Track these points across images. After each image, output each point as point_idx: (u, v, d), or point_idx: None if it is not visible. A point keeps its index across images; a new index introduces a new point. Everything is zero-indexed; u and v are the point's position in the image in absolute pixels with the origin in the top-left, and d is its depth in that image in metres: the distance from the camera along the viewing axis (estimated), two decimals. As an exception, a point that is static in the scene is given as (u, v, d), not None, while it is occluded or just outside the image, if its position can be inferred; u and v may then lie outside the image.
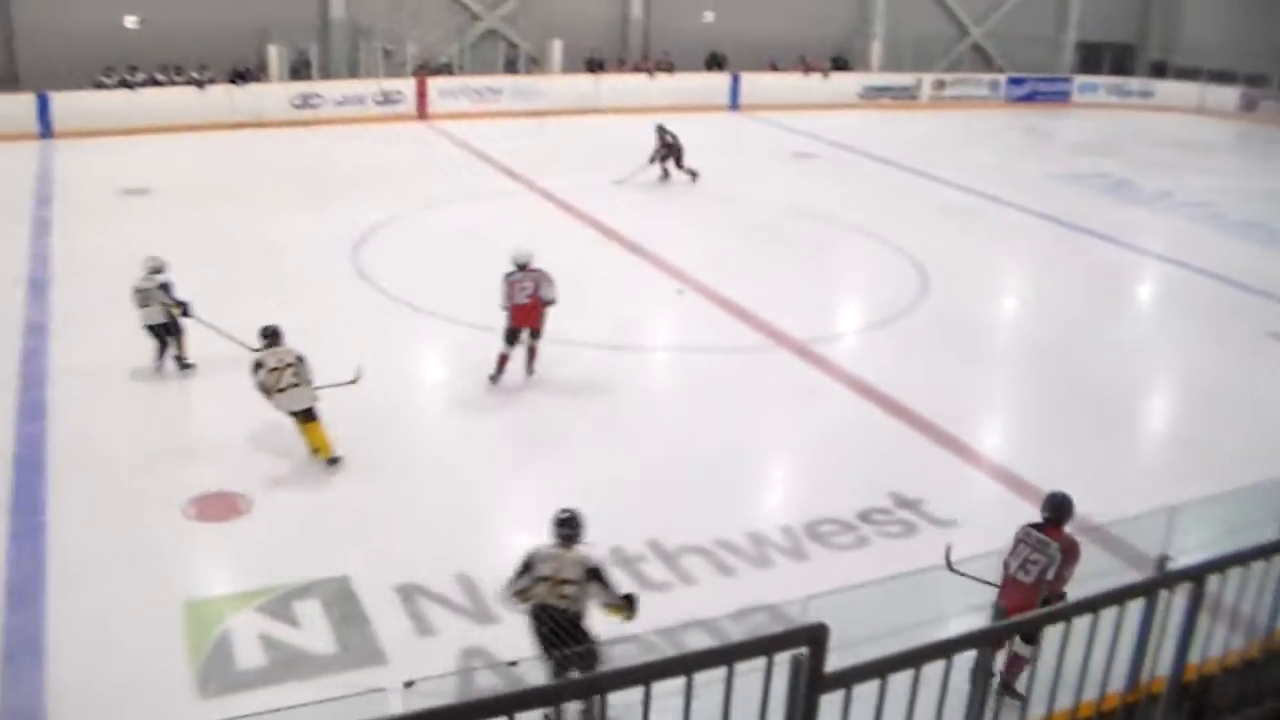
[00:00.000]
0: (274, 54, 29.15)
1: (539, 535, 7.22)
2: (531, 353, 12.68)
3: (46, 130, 25.71)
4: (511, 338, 12.45)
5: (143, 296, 12.44)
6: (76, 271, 16.14)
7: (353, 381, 11.02)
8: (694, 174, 22.76)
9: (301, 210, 20.03)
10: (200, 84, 27.70)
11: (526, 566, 7.12)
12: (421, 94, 30.00)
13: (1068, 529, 7.34)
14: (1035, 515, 7.43)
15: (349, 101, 28.91)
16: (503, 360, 12.48)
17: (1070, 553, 7.17)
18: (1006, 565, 7.32)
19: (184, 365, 12.70)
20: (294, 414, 10.70)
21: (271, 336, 10.83)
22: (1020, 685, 6.75)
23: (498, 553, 8.30)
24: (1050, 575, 7.10)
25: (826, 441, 11.88)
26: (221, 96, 27.61)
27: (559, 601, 7.00)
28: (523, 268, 12.42)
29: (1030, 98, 37.88)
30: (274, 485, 10.31)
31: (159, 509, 9.81)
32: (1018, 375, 14.38)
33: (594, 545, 7.34)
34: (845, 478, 10.51)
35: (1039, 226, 21.51)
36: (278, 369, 10.55)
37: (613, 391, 12.76)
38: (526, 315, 12.37)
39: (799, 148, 28.52)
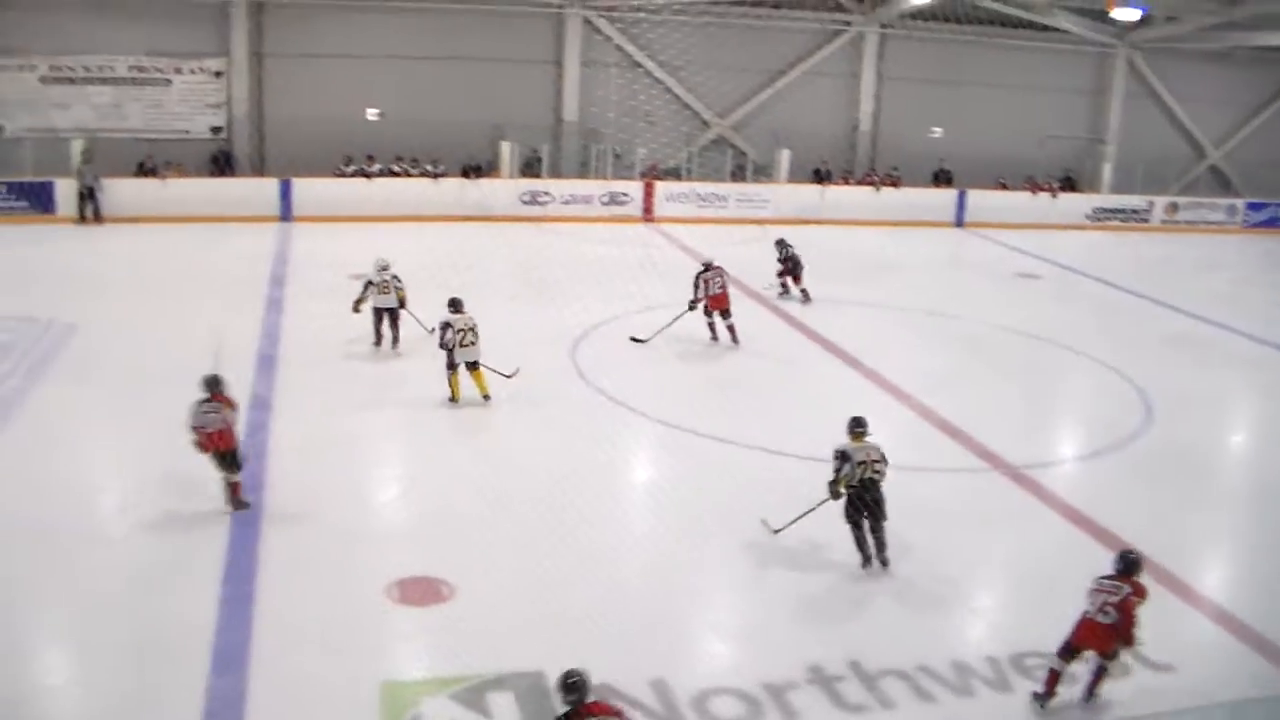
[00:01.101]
0: (506, 150, 30.79)
1: (738, 646, 7.79)
2: (731, 329, 18.09)
3: (287, 214, 28.18)
4: (709, 315, 17.81)
5: (381, 286, 17.37)
6: (301, 349, 17.37)
7: (510, 375, 15.46)
8: (806, 295, 22.68)
9: (524, 303, 20.60)
10: (434, 176, 29.83)
11: (844, 459, 10.99)
12: (648, 196, 31.28)
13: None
14: (1262, 662, 7.82)
15: (576, 200, 30.41)
16: (712, 327, 18.46)
17: (1139, 590, 8.96)
18: (1085, 612, 8.98)
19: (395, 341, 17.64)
20: (470, 365, 15.20)
21: (457, 305, 15.45)
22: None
23: (695, 660, 8.56)
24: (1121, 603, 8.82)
25: (1037, 570, 11.59)
26: (453, 189, 29.57)
27: (875, 476, 10.98)
28: (709, 266, 17.52)
29: (1271, 223, 37.13)
30: (477, 574, 10.47)
31: (363, 588, 10.16)
32: (1244, 515, 13.82)
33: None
34: (1055, 609, 9.70)
35: (1274, 359, 21.04)
36: (463, 330, 15.13)
37: (824, 508, 11.98)
38: (719, 301, 17.77)
39: (1023, 267, 28.44)
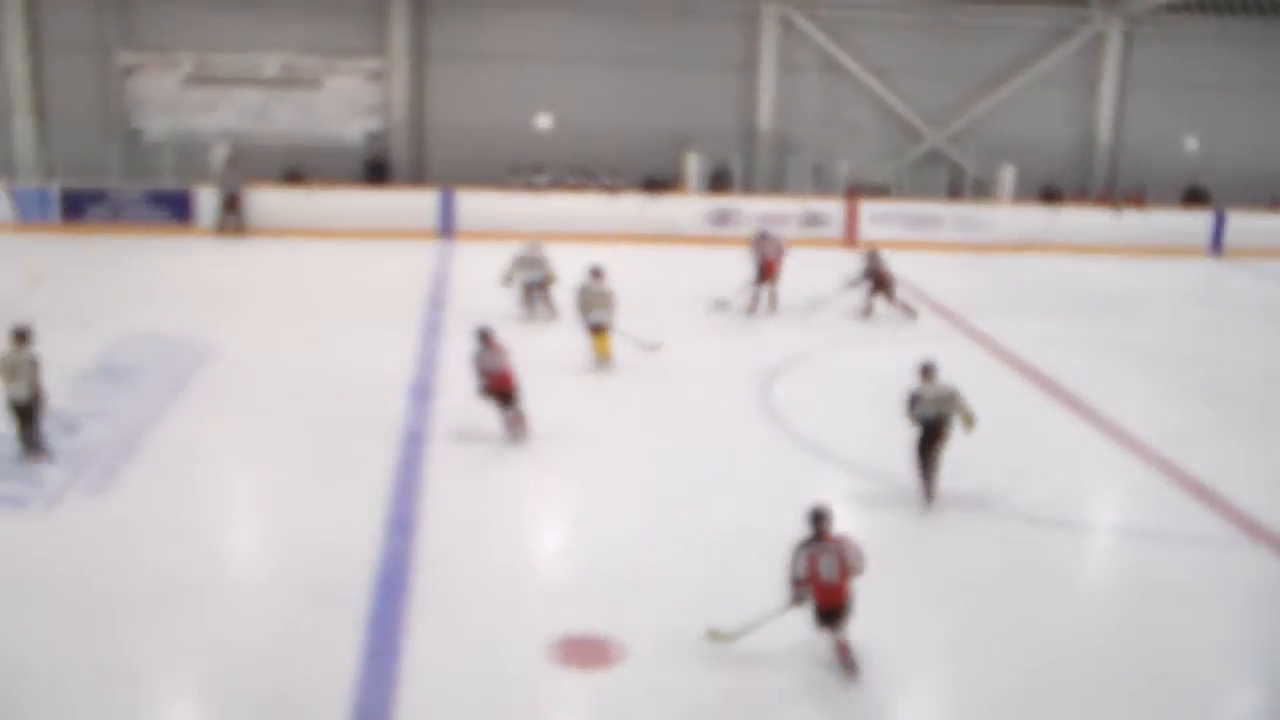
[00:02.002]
0: (692, 163, 29.27)
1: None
2: (772, 296, 19.65)
3: (447, 229, 27.15)
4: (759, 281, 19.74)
5: (538, 266, 20.20)
6: (460, 380, 16.33)
7: (652, 348, 17.69)
8: (910, 311, 22.00)
9: (713, 334, 20.18)
10: (612, 191, 28.62)
11: (916, 400, 12.85)
12: (851, 216, 29.21)
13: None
14: None
15: (770, 219, 27.96)
16: (754, 299, 20.55)
17: (848, 541, 9.78)
18: (816, 577, 9.53)
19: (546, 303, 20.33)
20: (597, 326, 17.34)
21: (598, 273, 17.57)
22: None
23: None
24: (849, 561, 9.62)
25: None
26: (632, 206, 28.09)
27: (944, 411, 12.86)
28: (765, 235, 18.63)
29: None
30: (649, 637, 9.96)
31: (521, 644, 9.75)
32: None
33: None
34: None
35: None
36: (599, 294, 17.30)
37: (1037, 573, 11.86)
38: (772, 269, 19.34)
39: (1294, 304, 26.33)
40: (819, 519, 9.89)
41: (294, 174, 28.44)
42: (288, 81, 29.38)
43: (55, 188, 27.43)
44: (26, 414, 13.16)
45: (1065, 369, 19.07)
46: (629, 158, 29.28)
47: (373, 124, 29.65)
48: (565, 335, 18.43)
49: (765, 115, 30.96)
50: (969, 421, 12.91)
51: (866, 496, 13.55)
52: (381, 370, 17.11)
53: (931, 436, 13.19)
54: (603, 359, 17.27)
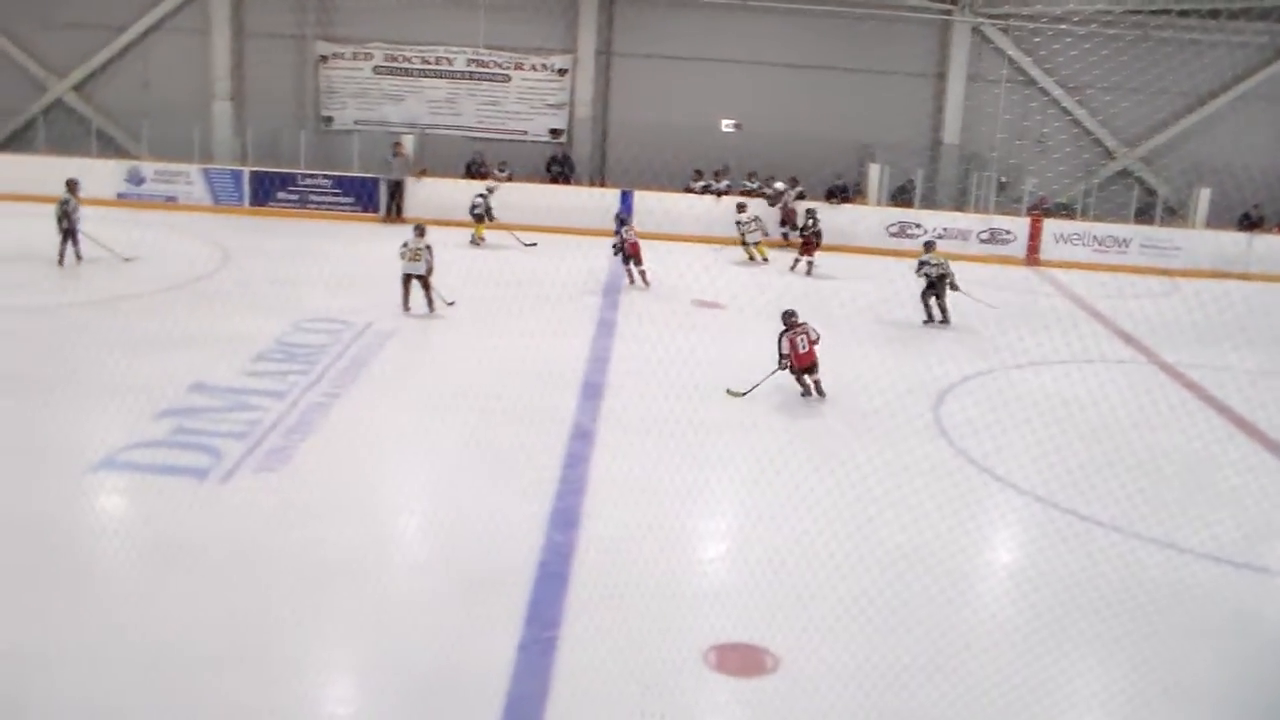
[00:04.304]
0: (875, 174, 29.42)
1: None
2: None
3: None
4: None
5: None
6: (631, 379, 16.99)
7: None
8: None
9: (880, 346, 20.04)
10: (773, 199, 28.38)
11: (923, 264, 21.37)
12: (1034, 235, 29.08)
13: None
14: None
15: (950, 235, 28.41)
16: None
17: (809, 324, 16.18)
18: (797, 349, 16.00)
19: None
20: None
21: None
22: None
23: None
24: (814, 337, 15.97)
25: None
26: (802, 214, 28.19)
27: (942, 274, 21.20)
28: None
29: None
30: (806, 649, 9.83)
31: (677, 648, 9.70)
32: None
33: None
34: None
35: None
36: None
37: (1220, 618, 11.21)
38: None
39: None
40: (790, 315, 16.39)
41: (474, 167, 28.81)
42: (475, 75, 30.11)
43: (247, 172, 28.36)
44: (425, 283, 19.48)
45: (1260, 404, 18.12)
46: (811, 165, 29.28)
47: (557, 121, 29.96)
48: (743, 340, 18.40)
49: (951, 128, 31.05)
50: (954, 286, 21.68)
51: (1039, 525, 13.27)
52: (553, 365, 17.33)
53: (934, 287, 21.66)
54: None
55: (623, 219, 24.44)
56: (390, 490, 13.34)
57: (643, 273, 23.28)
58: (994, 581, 12.16)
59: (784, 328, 16.41)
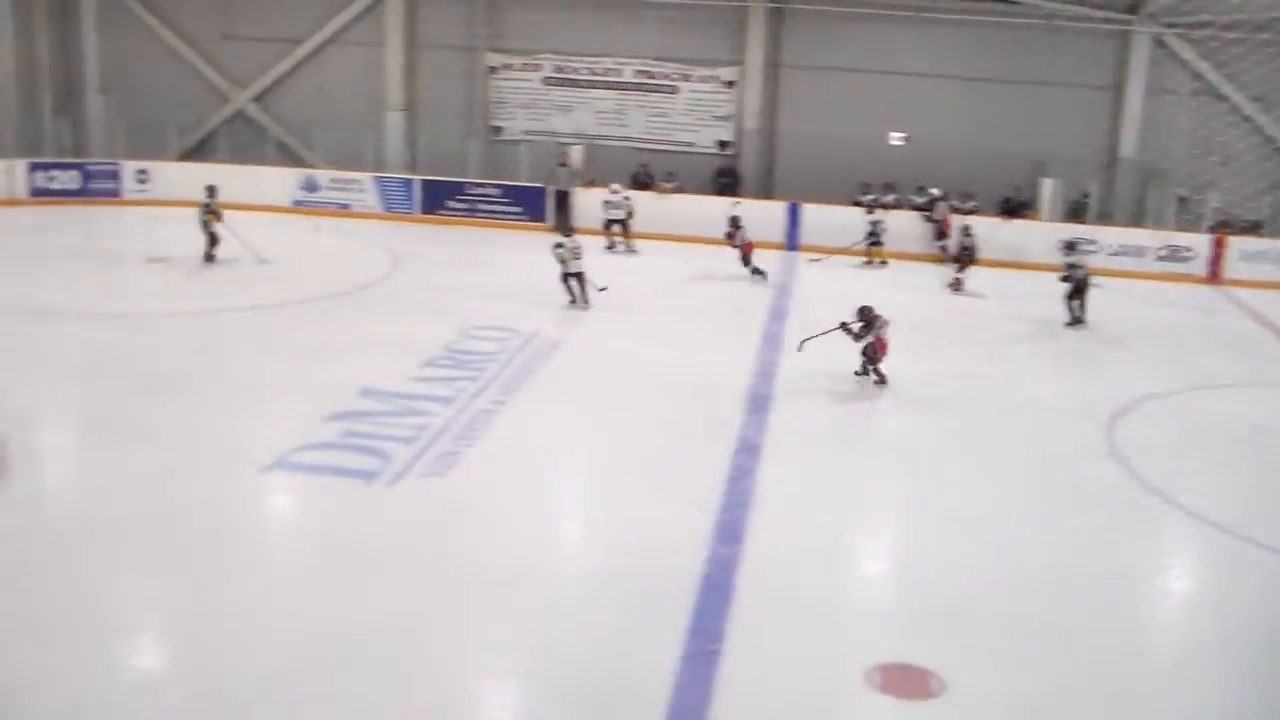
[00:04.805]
0: (1048, 188, 28.82)
1: None
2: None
3: (792, 242, 27.59)
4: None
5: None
6: (796, 393, 16.87)
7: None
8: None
9: (1054, 365, 19.84)
10: (965, 213, 27.82)
11: (1071, 267, 21.91)
12: (1217, 254, 28.12)
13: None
14: None
15: (1127, 252, 27.74)
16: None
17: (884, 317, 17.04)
18: (881, 337, 16.89)
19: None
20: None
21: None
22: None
23: None
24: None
25: None
26: (982, 228, 27.13)
27: (1084, 276, 21.75)
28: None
29: None
30: (970, 672, 9.63)
31: (840, 665, 9.62)
32: None
33: None
34: None
35: None
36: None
37: None
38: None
39: None
40: (868, 310, 17.06)
41: (641, 178, 28.93)
42: (643, 87, 30.30)
43: (418, 180, 28.93)
44: (580, 279, 20.62)
45: None
46: (982, 179, 28.76)
47: (724, 132, 29.93)
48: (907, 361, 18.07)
49: (1129, 142, 30.17)
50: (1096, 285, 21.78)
51: (1213, 552, 12.89)
52: (719, 377, 17.41)
53: (1078, 290, 21.58)
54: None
55: (737, 221, 24.60)
56: (555, 498, 13.51)
57: (757, 269, 24.24)
58: (1164, 608, 11.86)
59: (866, 322, 17.04)
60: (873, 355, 17.19)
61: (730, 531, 12.09)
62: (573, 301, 20.96)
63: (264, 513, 12.64)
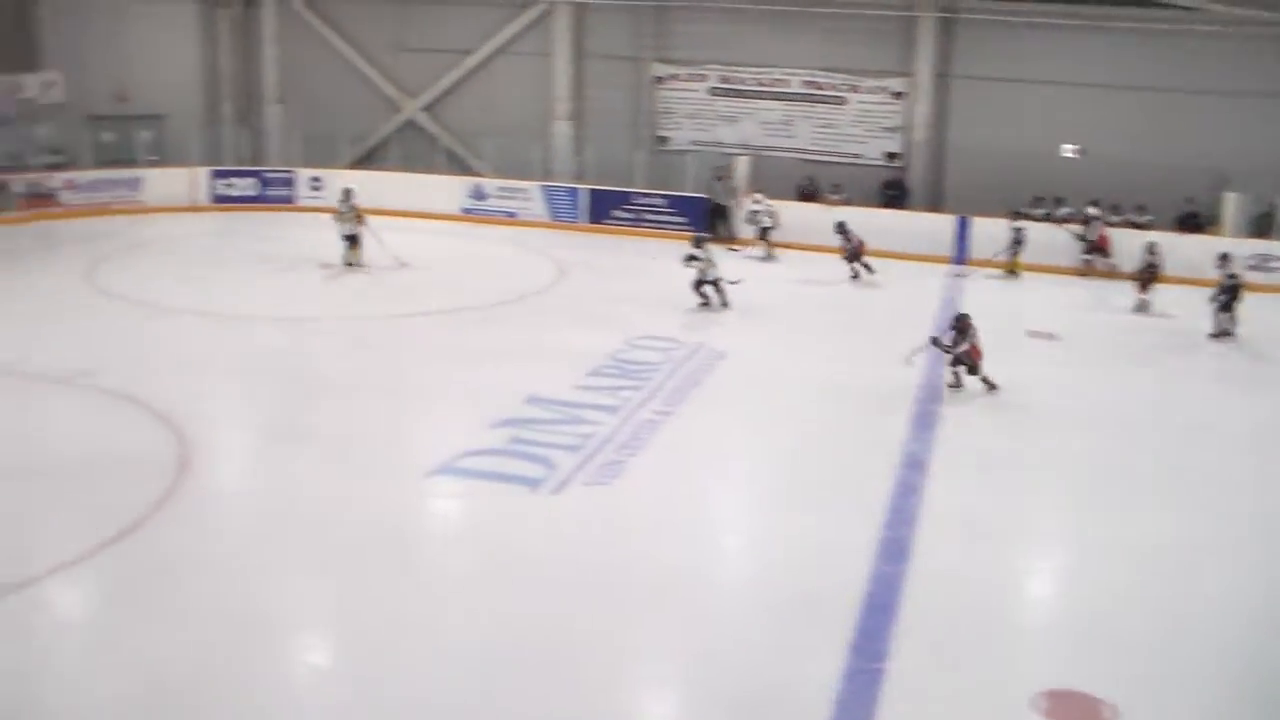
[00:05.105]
0: (1231, 203, 27.92)
1: None
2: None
3: (961, 256, 27.12)
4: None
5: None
6: (967, 409, 16.73)
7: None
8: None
9: (1239, 391, 19.03)
10: (1140, 227, 27.11)
11: (1232, 277, 21.22)
12: None
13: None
14: None
15: None
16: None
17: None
18: (975, 344, 16.81)
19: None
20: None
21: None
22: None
23: None
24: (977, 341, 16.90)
25: None
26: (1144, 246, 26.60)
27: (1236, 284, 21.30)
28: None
29: None
30: (1145, 705, 9.39)
31: (1006, 689, 9.54)
32: None
33: None
34: None
35: None
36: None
37: None
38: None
39: None
40: (964, 318, 17.09)
41: (806, 189, 28.86)
42: (811, 98, 30.16)
43: (584, 190, 29.17)
44: (717, 285, 21.48)
45: None
46: (1159, 192, 27.69)
47: (892, 144, 29.61)
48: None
49: (1319, 154, 28.45)
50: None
51: None
52: (885, 391, 17.33)
53: (1233, 297, 21.46)
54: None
55: (844, 227, 25.32)
56: (717, 509, 13.61)
57: (867, 265, 25.11)
58: None
59: (960, 330, 17.07)
60: (971, 364, 17.07)
61: (896, 549, 12.02)
62: (705, 304, 21.55)
63: (429, 516, 12.94)
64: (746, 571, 11.94)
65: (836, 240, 25.35)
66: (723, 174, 28.95)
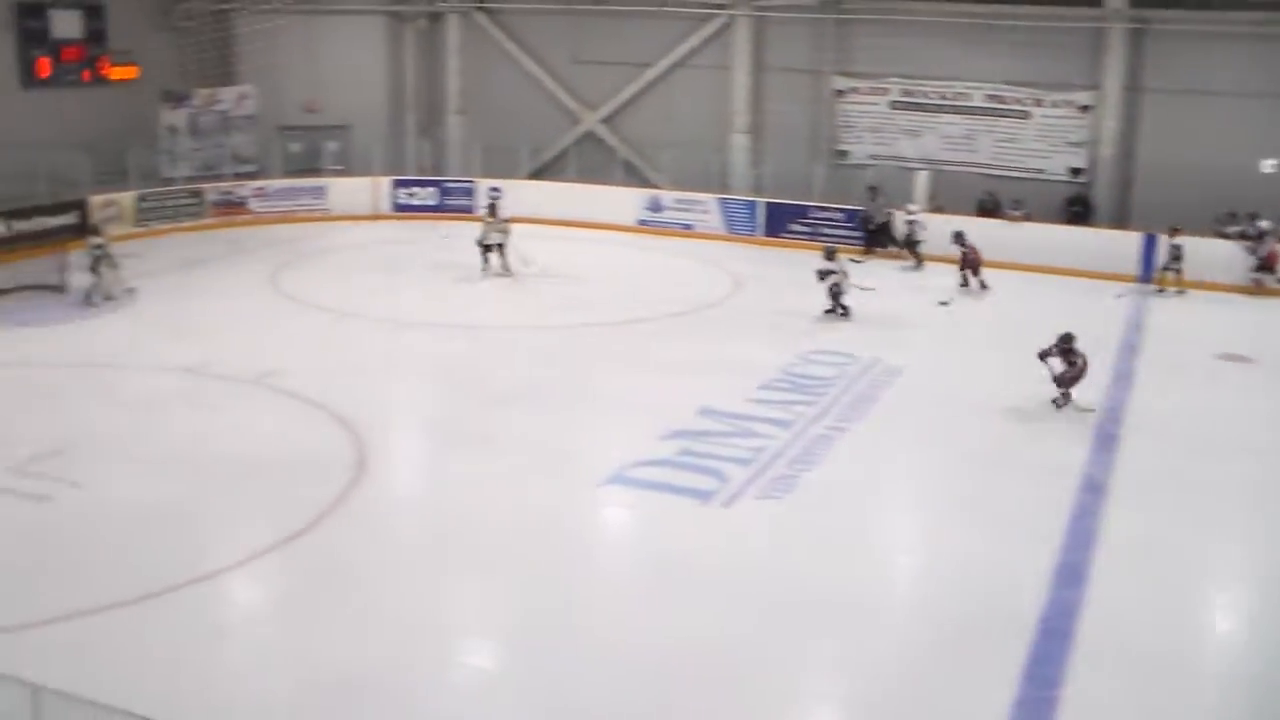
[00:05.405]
0: None
1: None
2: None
3: (1146, 274, 26.17)
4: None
5: None
6: (1149, 433, 16.30)
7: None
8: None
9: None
10: (1252, 249, 25.95)
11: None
12: None
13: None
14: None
15: None
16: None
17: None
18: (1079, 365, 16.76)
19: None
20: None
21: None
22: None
23: None
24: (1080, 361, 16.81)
25: None
26: None
27: None
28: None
29: None
30: None
31: None
32: None
33: None
34: None
35: None
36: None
37: None
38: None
39: None
40: (1069, 336, 16.85)
41: (986, 204, 28.38)
42: (993, 112, 29.62)
43: (761, 203, 29.16)
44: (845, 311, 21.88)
45: None
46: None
47: (1077, 159, 28.91)
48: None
49: None
50: None
51: None
52: (1063, 413, 17.02)
53: None
54: None
55: (963, 239, 25.33)
56: (889, 526, 13.70)
57: (982, 281, 25.16)
58: None
59: (1065, 350, 16.95)
60: (1070, 381, 16.90)
61: (1073, 573, 11.84)
62: (844, 315, 21.95)
63: (600, 525, 13.16)
64: (917, 591, 11.90)
65: (955, 250, 25.34)
66: (876, 191, 28.58)
